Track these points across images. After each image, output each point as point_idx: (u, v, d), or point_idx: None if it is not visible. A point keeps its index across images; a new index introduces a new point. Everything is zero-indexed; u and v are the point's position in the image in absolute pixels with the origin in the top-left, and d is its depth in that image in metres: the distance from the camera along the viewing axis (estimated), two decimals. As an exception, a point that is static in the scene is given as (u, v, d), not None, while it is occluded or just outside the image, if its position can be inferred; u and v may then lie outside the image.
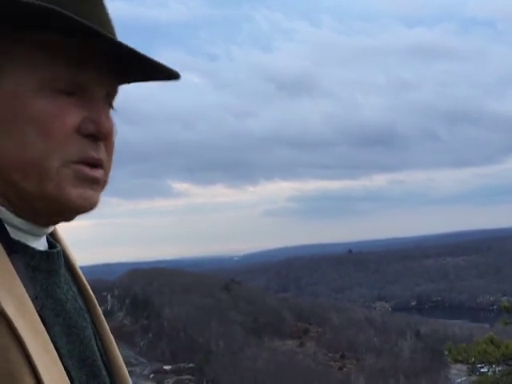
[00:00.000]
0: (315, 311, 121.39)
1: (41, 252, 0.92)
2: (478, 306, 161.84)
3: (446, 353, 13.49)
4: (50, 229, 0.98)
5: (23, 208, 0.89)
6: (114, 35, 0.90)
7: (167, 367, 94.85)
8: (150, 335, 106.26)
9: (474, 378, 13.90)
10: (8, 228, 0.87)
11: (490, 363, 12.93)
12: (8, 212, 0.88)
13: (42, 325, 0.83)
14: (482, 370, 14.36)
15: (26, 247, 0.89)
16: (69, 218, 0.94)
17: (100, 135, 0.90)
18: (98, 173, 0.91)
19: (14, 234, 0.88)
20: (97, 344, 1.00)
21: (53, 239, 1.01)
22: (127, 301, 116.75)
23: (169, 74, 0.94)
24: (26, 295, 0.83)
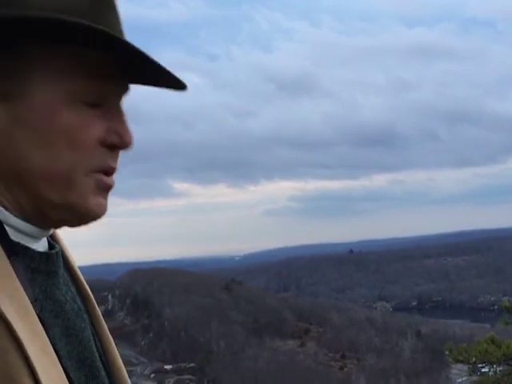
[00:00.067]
0: (316, 311, 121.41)
1: (40, 253, 0.93)
2: (478, 306, 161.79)
3: (447, 353, 13.48)
4: (52, 231, 0.99)
5: (35, 215, 0.91)
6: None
7: (168, 367, 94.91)
8: (151, 335, 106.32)
9: (474, 378, 13.90)
10: (8, 229, 0.88)
11: (491, 363, 12.93)
12: (10, 214, 0.89)
13: (41, 327, 0.83)
14: (482, 370, 14.36)
15: (26, 249, 0.90)
16: (79, 225, 0.95)
17: (123, 146, 0.93)
18: (112, 181, 0.94)
19: (14, 236, 0.88)
20: (96, 345, 1.00)
21: (52, 239, 1.01)
22: (128, 301, 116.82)
23: (176, 84, 0.95)
24: (26, 297, 0.83)
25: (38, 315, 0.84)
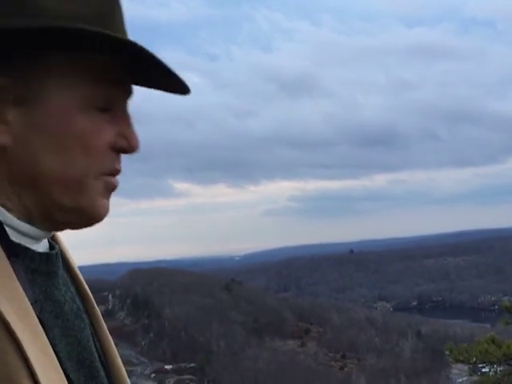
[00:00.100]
0: (316, 311, 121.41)
1: (40, 254, 0.93)
2: (479, 306, 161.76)
3: (447, 353, 13.46)
4: (53, 233, 1.00)
5: (41, 218, 0.92)
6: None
7: (168, 367, 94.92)
8: (151, 335, 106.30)
9: (475, 378, 13.88)
10: (9, 230, 0.88)
11: (492, 363, 12.91)
12: (13, 217, 0.89)
13: (41, 328, 0.84)
14: (483, 370, 14.35)
15: (27, 249, 0.90)
16: (83, 227, 0.96)
17: (130, 150, 0.94)
18: (117, 181, 0.96)
19: (15, 237, 0.89)
20: (95, 345, 1.00)
21: (52, 240, 1.02)
22: (128, 301, 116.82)
23: (180, 88, 0.96)
24: (26, 299, 0.83)
25: (38, 316, 0.84)
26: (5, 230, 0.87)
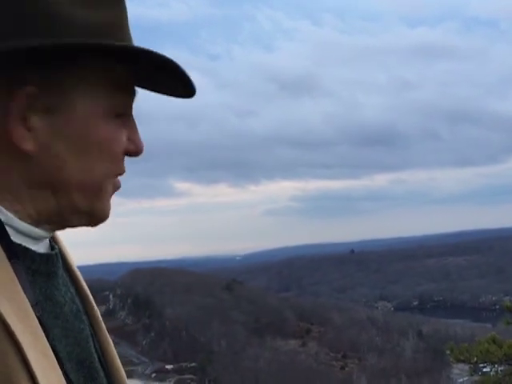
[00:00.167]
0: (317, 311, 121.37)
1: (41, 255, 0.93)
2: (480, 306, 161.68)
3: (448, 352, 13.45)
4: (54, 232, 1.01)
5: (52, 221, 0.94)
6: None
7: (169, 367, 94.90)
8: (152, 335, 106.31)
9: (476, 377, 13.88)
10: (9, 230, 0.88)
11: (493, 363, 12.90)
12: (13, 216, 0.90)
13: (41, 330, 0.84)
14: (484, 370, 14.35)
15: (27, 250, 0.91)
16: (87, 226, 0.98)
17: (137, 154, 0.97)
18: (120, 182, 0.99)
19: (16, 238, 0.89)
20: (94, 346, 1.00)
21: (51, 239, 1.02)
22: (129, 300, 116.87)
23: (186, 91, 0.98)
24: (26, 300, 0.84)
25: (38, 318, 0.84)
26: (6, 230, 0.88)
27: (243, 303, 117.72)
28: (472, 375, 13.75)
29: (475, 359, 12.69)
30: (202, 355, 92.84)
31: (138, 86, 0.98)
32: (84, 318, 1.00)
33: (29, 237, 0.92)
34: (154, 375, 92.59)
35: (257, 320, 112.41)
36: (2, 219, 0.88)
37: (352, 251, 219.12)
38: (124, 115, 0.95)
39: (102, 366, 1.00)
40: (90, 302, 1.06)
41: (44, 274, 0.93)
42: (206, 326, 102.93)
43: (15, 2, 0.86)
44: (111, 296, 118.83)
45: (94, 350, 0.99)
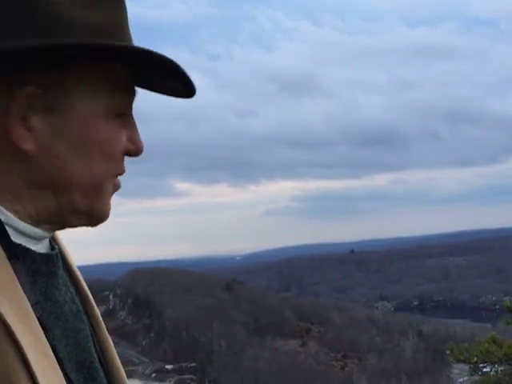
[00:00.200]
0: (317, 311, 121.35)
1: (41, 255, 0.93)
2: (480, 306, 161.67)
3: (448, 352, 13.47)
4: (55, 232, 1.01)
5: (52, 221, 0.94)
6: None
7: (169, 367, 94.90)
8: (152, 335, 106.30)
9: (476, 377, 13.90)
10: (10, 231, 0.88)
11: (492, 363, 12.91)
12: (13, 217, 0.90)
13: (41, 330, 0.84)
14: (484, 370, 14.36)
15: (27, 250, 0.91)
16: (87, 226, 0.99)
17: (136, 154, 0.98)
18: (120, 182, 0.99)
19: (16, 238, 0.89)
20: (94, 346, 1.01)
21: (51, 239, 1.02)
22: (129, 300, 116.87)
23: (186, 91, 0.98)
24: (26, 300, 0.84)
25: (38, 318, 0.84)
26: (5, 230, 0.88)
27: (243, 303, 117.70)
28: (472, 375, 13.77)
29: (475, 359, 12.71)
30: (202, 355, 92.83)
31: (138, 86, 0.98)
32: (84, 317, 1.00)
33: (29, 237, 0.92)
34: (154, 375, 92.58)
35: (257, 320, 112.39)
36: (2, 219, 0.88)
37: (352, 251, 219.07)
38: (124, 115, 0.95)
39: (102, 366, 1.00)
40: (90, 302, 1.06)
41: (44, 274, 0.93)
42: (206, 326, 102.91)
43: (15, 2, 0.86)
44: (111, 296, 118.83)
45: (94, 350, 0.99)
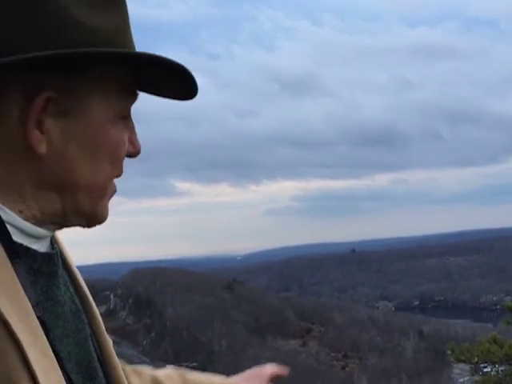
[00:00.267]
0: (318, 311, 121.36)
1: (43, 254, 0.94)
2: (480, 306, 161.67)
3: (449, 352, 13.45)
4: (55, 232, 1.01)
5: (54, 221, 0.95)
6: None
7: (170, 366, 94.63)
8: (153, 334, 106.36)
9: (476, 377, 13.86)
10: (11, 229, 0.89)
11: (493, 363, 12.90)
12: (16, 216, 0.90)
13: (41, 330, 0.84)
14: (484, 370, 14.33)
15: (29, 250, 0.91)
16: (86, 228, 1.00)
17: (135, 155, 1.00)
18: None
19: (18, 237, 0.90)
20: (93, 346, 1.01)
21: (51, 238, 1.03)
22: (130, 300, 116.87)
23: (188, 93, 1.00)
24: (26, 300, 0.84)
25: (39, 318, 0.85)
26: (7, 229, 0.88)
27: (244, 303, 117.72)
28: (473, 375, 13.75)
29: (476, 359, 12.69)
30: (203, 355, 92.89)
31: (140, 89, 1.00)
32: (83, 317, 1.01)
33: (31, 236, 0.92)
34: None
35: (257, 320, 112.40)
36: (4, 218, 0.89)
37: (353, 251, 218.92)
38: (126, 117, 0.97)
39: (101, 365, 1.01)
40: (89, 302, 1.07)
41: (46, 273, 0.94)
42: (207, 326, 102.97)
43: (32, 11, 0.87)
44: (112, 296, 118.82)
45: (93, 350, 1.00)
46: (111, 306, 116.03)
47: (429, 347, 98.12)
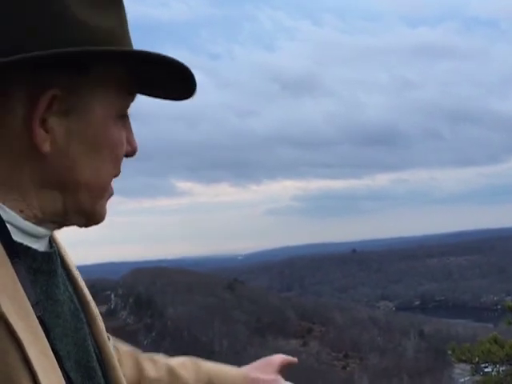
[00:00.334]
0: (319, 310, 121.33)
1: (42, 253, 0.94)
2: (481, 306, 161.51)
3: (450, 352, 13.43)
4: (55, 231, 1.01)
5: (54, 220, 0.95)
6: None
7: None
8: (154, 334, 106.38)
9: (477, 377, 13.85)
10: (11, 229, 0.89)
11: (494, 363, 12.89)
12: (16, 215, 0.90)
13: (41, 329, 0.84)
14: (485, 370, 14.32)
15: (29, 249, 0.91)
16: (83, 227, 1.00)
17: (132, 155, 1.00)
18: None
19: (17, 236, 0.90)
20: (92, 345, 1.01)
21: (50, 237, 1.02)
22: (131, 300, 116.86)
23: (185, 93, 1.00)
24: (26, 299, 0.84)
25: (39, 317, 0.85)
26: (7, 229, 0.88)
27: (245, 303, 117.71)
28: (473, 375, 13.73)
29: (477, 359, 12.69)
30: (204, 355, 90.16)
31: (139, 90, 1.00)
32: (82, 316, 1.01)
33: (31, 235, 0.92)
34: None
35: (258, 320, 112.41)
36: (4, 218, 0.88)
37: (354, 251, 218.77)
38: (124, 116, 0.98)
39: (99, 365, 1.01)
40: (87, 301, 1.06)
41: (45, 272, 0.94)
42: (208, 326, 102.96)
43: (37, 11, 0.87)
44: (113, 295, 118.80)
45: (91, 349, 0.99)
46: (112, 306, 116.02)
47: (430, 347, 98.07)
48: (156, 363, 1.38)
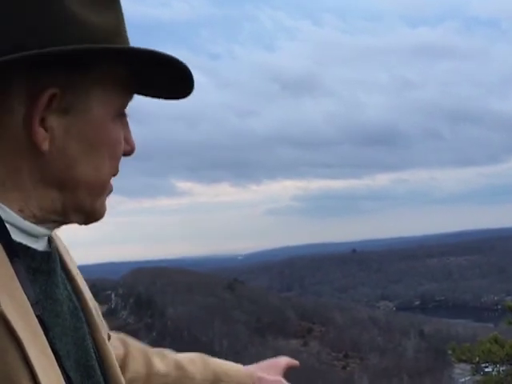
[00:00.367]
0: (319, 310, 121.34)
1: (42, 253, 0.94)
2: (481, 306, 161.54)
3: (450, 352, 13.48)
4: (55, 230, 1.01)
5: (54, 219, 0.95)
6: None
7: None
8: (154, 334, 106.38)
9: (477, 377, 13.88)
10: (11, 228, 0.89)
11: (494, 363, 12.92)
12: (16, 215, 0.90)
13: (40, 328, 0.85)
14: (486, 370, 14.34)
15: (28, 249, 0.91)
16: (82, 225, 1.00)
17: (130, 154, 1.01)
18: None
19: (16, 236, 0.90)
20: (91, 344, 1.01)
21: (49, 237, 1.02)
22: (131, 300, 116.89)
23: (183, 92, 1.00)
24: (25, 298, 0.84)
25: (39, 316, 0.85)
26: (6, 229, 0.88)
27: (245, 303, 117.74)
28: (474, 375, 13.76)
29: (477, 359, 12.72)
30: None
31: (137, 90, 1.00)
32: (81, 315, 1.01)
33: (30, 235, 0.92)
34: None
35: (258, 320, 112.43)
36: (4, 217, 0.88)
37: (354, 251, 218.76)
38: (122, 115, 0.98)
39: (99, 364, 1.01)
40: (86, 300, 1.06)
41: (45, 272, 0.93)
42: (208, 326, 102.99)
43: (37, 10, 0.88)
44: (113, 295, 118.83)
45: (90, 348, 1.00)
46: (112, 306, 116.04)
47: (430, 347, 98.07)
48: (165, 358, 1.40)
